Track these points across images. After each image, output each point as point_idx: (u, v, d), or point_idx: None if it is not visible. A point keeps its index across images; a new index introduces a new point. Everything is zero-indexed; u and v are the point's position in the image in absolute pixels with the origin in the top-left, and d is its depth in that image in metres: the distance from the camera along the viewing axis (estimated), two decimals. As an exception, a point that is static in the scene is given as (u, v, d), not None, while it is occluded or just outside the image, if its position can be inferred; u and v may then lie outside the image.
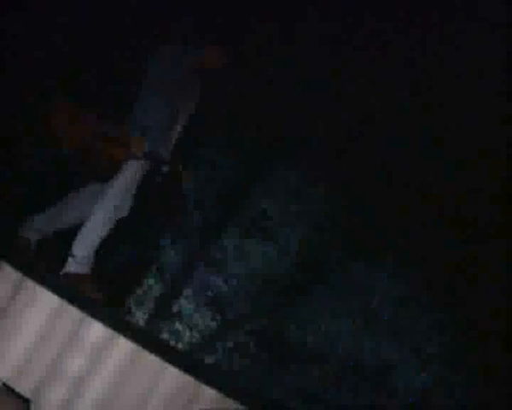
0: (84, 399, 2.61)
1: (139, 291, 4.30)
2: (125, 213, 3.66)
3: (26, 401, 2.60)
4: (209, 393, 2.61)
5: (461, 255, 4.58)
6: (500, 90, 4.44)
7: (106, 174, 3.60)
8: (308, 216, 4.87)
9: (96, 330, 2.67)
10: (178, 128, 3.79)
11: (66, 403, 2.61)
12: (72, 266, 3.58)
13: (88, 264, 3.61)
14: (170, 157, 3.71)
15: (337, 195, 4.85)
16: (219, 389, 2.61)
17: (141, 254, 4.25)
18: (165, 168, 3.72)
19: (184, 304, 4.53)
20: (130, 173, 3.61)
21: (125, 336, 2.65)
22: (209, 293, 4.59)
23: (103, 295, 3.56)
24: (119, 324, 2.75)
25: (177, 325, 4.44)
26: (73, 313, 2.68)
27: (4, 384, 2.61)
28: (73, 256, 3.59)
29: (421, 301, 4.64)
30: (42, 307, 2.69)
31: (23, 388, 2.61)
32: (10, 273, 2.72)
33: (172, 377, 2.62)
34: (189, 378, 2.61)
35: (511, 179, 4.45)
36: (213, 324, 4.50)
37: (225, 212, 4.75)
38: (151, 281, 4.49)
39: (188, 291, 4.55)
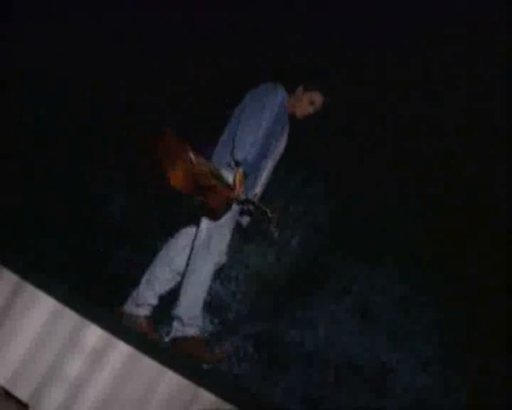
0: (83, 402, 2.60)
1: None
2: (224, 258, 3.39)
3: (25, 405, 2.60)
4: (207, 397, 2.61)
5: (461, 256, 4.58)
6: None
7: (215, 213, 3.26)
8: (308, 216, 4.87)
9: (95, 333, 2.67)
10: (269, 168, 3.49)
11: (64, 407, 2.60)
12: (179, 331, 3.28)
13: (197, 324, 3.31)
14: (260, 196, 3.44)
15: (337, 195, 4.85)
16: (218, 392, 2.61)
17: (139, 256, 4.24)
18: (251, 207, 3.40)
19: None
20: (231, 217, 3.31)
21: (123, 339, 2.65)
22: (208, 296, 4.59)
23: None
24: (118, 327, 2.75)
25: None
26: (72, 316, 2.68)
27: (3, 388, 2.61)
28: (180, 319, 3.28)
29: (421, 301, 4.64)
30: (41, 310, 2.68)
31: (21, 391, 2.61)
32: (9, 277, 2.72)
33: (171, 380, 2.62)
34: (187, 382, 2.61)
35: (511, 181, 4.45)
36: (212, 327, 4.49)
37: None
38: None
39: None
